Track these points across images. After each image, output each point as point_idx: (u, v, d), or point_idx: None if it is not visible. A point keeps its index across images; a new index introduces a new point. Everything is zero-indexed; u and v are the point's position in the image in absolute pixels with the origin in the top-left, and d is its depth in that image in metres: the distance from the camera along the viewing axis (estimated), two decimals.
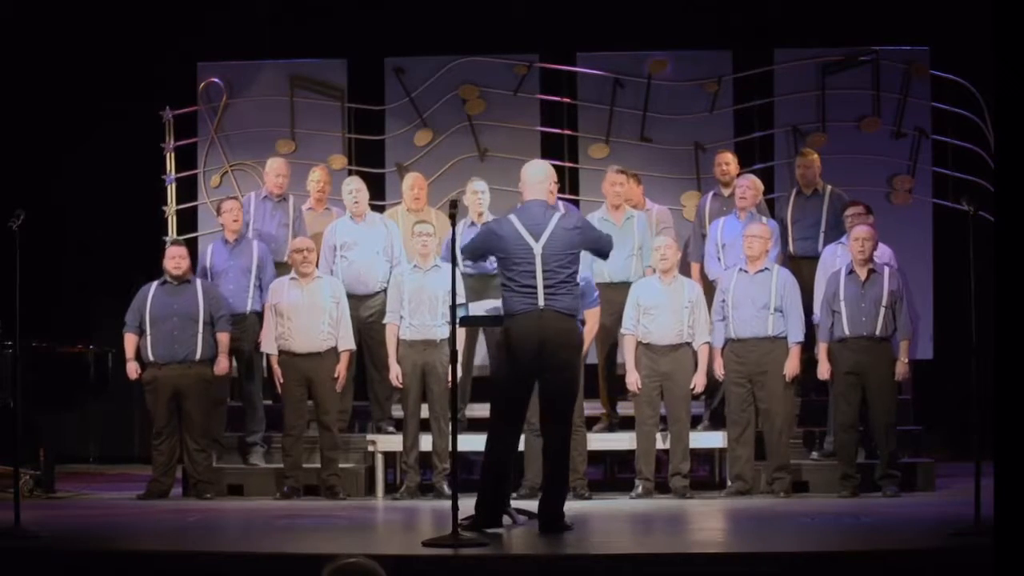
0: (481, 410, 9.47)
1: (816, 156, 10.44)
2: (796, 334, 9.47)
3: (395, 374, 9.57)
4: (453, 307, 7.35)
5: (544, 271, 7.39)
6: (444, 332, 9.41)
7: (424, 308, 9.49)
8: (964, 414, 10.44)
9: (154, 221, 11.46)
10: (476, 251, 7.72)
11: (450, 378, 9.17)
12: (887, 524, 7.76)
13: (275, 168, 10.53)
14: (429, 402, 9.56)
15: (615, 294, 9.74)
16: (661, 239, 9.73)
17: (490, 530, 7.31)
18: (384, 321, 9.67)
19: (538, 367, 7.41)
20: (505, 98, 11.55)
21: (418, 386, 9.52)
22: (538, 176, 7.68)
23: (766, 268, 9.54)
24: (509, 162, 11.35)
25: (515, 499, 8.16)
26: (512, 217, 7.58)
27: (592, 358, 10.07)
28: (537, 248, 7.41)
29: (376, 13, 11.84)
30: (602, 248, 7.77)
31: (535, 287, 7.38)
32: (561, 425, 7.52)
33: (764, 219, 10.02)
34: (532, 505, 7.82)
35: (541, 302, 7.38)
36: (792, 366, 9.44)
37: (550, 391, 7.48)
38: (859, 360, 9.30)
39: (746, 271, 9.54)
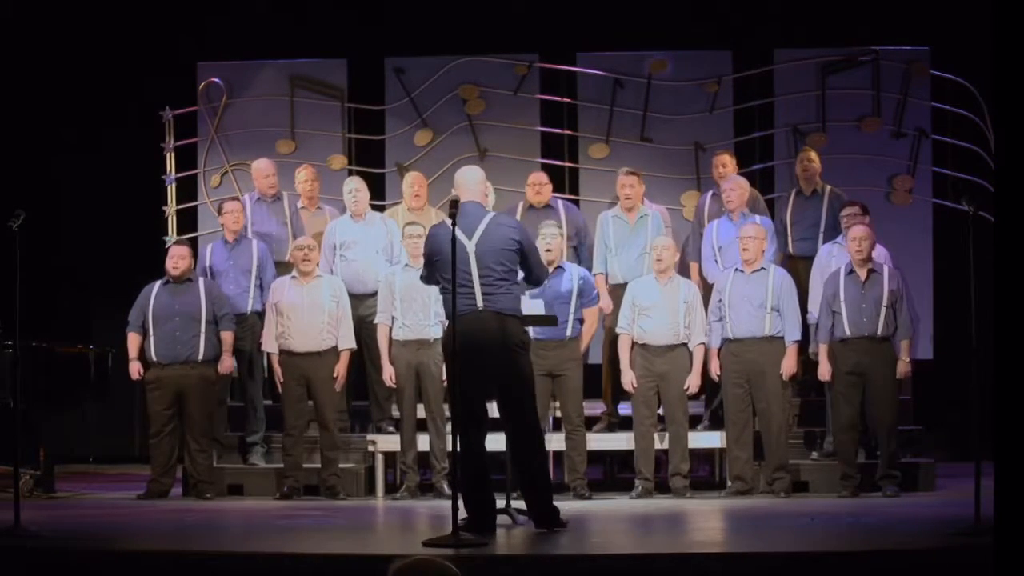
0: None
1: (816, 154, 10.44)
2: (793, 333, 9.47)
3: (388, 374, 9.57)
4: (453, 307, 7.33)
5: (480, 270, 7.32)
6: (437, 332, 9.40)
7: (417, 307, 9.48)
8: (964, 414, 10.46)
9: (154, 221, 11.46)
10: (427, 263, 7.55)
11: (444, 377, 9.30)
12: (887, 524, 7.75)
13: (261, 170, 10.53)
14: (425, 402, 9.55)
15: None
16: (659, 239, 9.73)
17: (484, 532, 7.27)
18: (375, 321, 9.68)
19: (485, 367, 7.30)
20: (505, 98, 11.56)
21: (412, 386, 9.52)
22: (474, 178, 7.60)
23: (762, 268, 9.54)
24: (509, 162, 11.38)
25: (515, 499, 8.15)
26: (447, 219, 7.55)
27: (595, 358, 10.08)
28: (471, 246, 7.34)
29: (376, 13, 11.85)
30: (532, 271, 7.54)
31: (472, 287, 7.31)
32: (523, 423, 7.42)
33: (758, 218, 10.01)
34: None
35: (479, 303, 7.30)
36: (789, 365, 9.44)
37: (503, 391, 7.40)
38: (860, 360, 9.30)
39: (742, 271, 9.54)
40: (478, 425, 7.40)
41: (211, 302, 9.72)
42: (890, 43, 11.40)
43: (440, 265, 7.36)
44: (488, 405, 7.55)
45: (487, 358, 7.30)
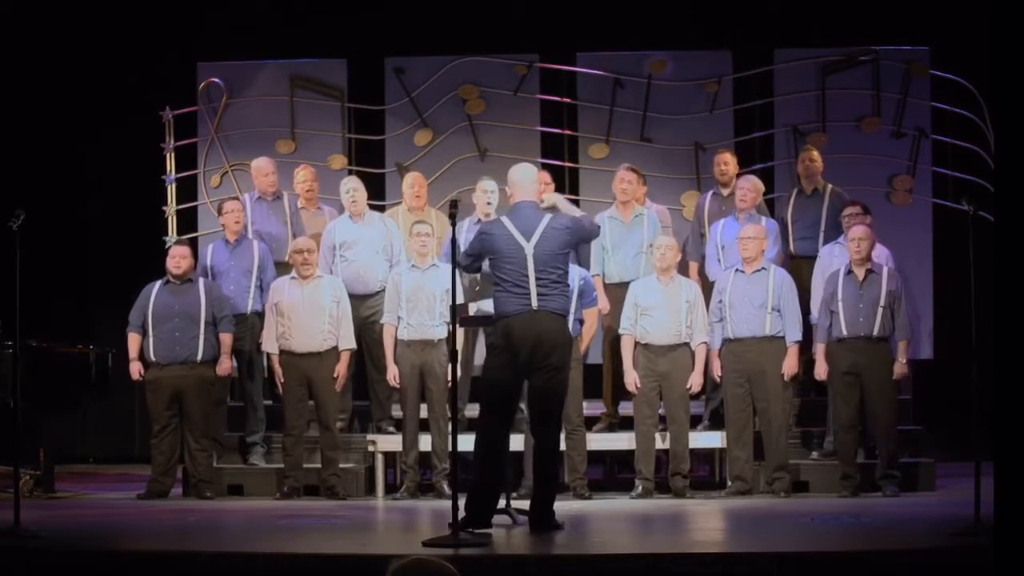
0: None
1: (818, 153, 10.44)
2: (794, 333, 9.48)
3: (392, 374, 9.57)
4: (453, 307, 7.36)
5: (536, 271, 7.43)
6: (442, 332, 9.41)
7: (422, 308, 9.49)
8: (964, 414, 10.46)
9: (154, 221, 11.46)
10: (473, 255, 7.71)
11: (449, 378, 9.29)
12: (887, 524, 7.76)
13: (261, 169, 10.53)
14: (428, 402, 9.56)
15: (623, 293, 9.75)
16: (661, 239, 9.73)
17: (481, 530, 7.27)
18: (381, 321, 9.67)
19: (530, 367, 7.44)
20: (505, 98, 11.55)
21: (416, 386, 9.52)
22: (528, 177, 7.71)
23: (763, 268, 9.54)
24: (509, 162, 11.22)
25: (515, 499, 8.15)
26: (503, 219, 7.62)
27: (595, 358, 10.08)
28: (528, 248, 7.45)
29: (376, 13, 11.84)
30: (590, 233, 7.84)
31: (528, 288, 7.42)
32: (552, 425, 7.57)
33: (763, 219, 10.02)
34: None
35: (534, 303, 7.42)
36: (790, 365, 9.44)
37: (542, 392, 7.50)
38: (857, 360, 9.30)
39: (743, 271, 9.54)
40: (506, 426, 7.52)
41: (211, 303, 9.72)
42: (890, 43, 11.40)
43: (497, 263, 7.49)
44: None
45: (536, 357, 7.40)
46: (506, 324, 7.42)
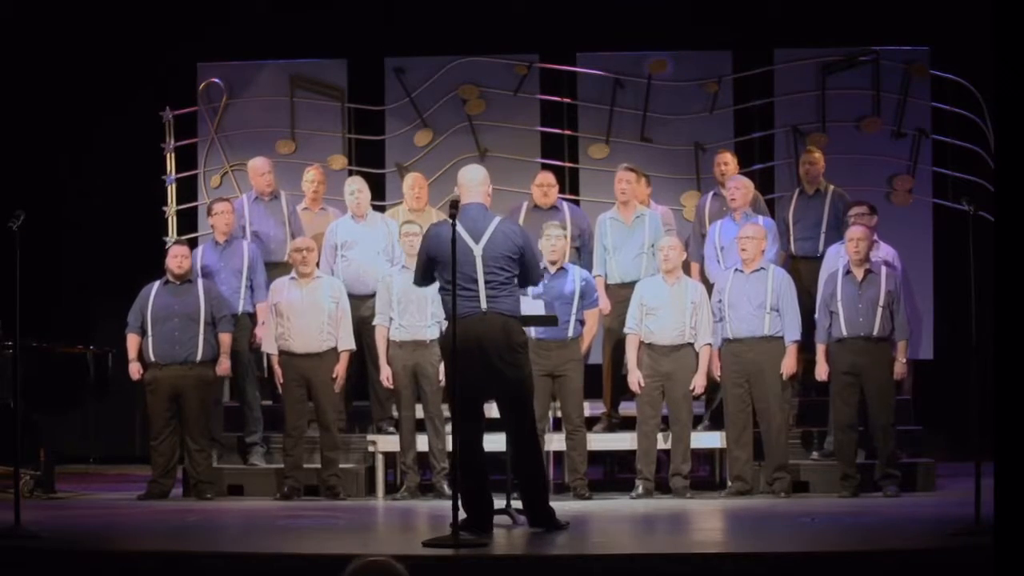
0: None
1: (820, 154, 10.44)
2: (793, 333, 9.47)
3: (385, 375, 9.57)
4: (453, 307, 7.33)
5: (485, 273, 7.34)
6: (434, 332, 9.40)
7: (413, 308, 9.48)
8: (964, 414, 10.47)
9: (154, 221, 11.46)
10: (425, 262, 7.50)
11: (441, 378, 9.29)
12: (887, 524, 7.76)
13: (257, 168, 10.52)
14: (423, 403, 9.56)
15: (625, 293, 9.75)
16: (665, 239, 9.73)
17: (483, 532, 7.26)
18: (374, 323, 9.68)
19: (486, 369, 7.32)
20: (505, 98, 11.56)
21: (410, 387, 9.52)
22: (476, 179, 7.60)
23: (761, 268, 9.54)
24: (509, 162, 11.38)
25: (515, 499, 8.15)
26: (448, 219, 7.54)
27: (596, 358, 10.07)
28: (477, 250, 7.35)
29: (376, 13, 11.84)
30: (529, 276, 7.54)
31: (476, 289, 7.33)
32: (523, 424, 7.45)
33: (760, 219, 10.01)
34: None
35: (483, 304, 7.32)
36: (789, 365, 9.44)
37: (504, 392, 7.42)
38: (856, 360, 9.30)
39: (742, 271, 9.54)
40: (476, 424, 7.43)
41: (210, 303, 9.72)
42: (890, 43, 11.40)
43: (442, 266, 7.36)
44: (486, 405, 7.58)
45: (490, 359, 7.32)
46: (456, 326, 7.25)
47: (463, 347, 7.23)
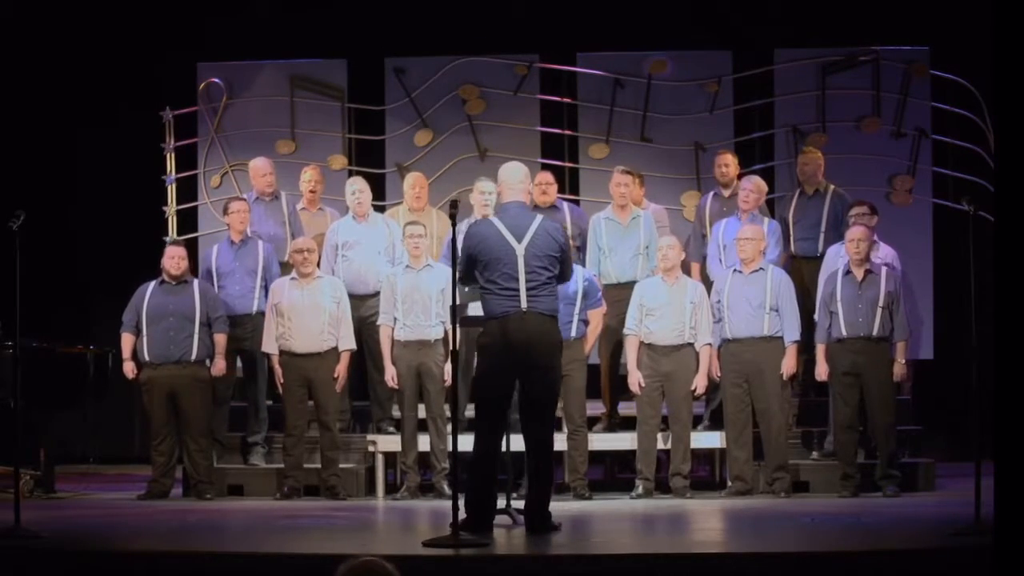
0: None
1: (819, 153, 10.44)
2: (792, 333, 9.47)
3: (390, 375, 9.57)
4: (453, 307, 7.34)
5: (527, 273, 7.34)
6: (438, 332, 9.41)
7: (418, 308, 9.49)
8: (964, 414, 10.47)
9: (154, 221, 11.46)
10: (467, 261, 7.49)
11: (447, 378, 9.29)
12: (887, 524, 7.76)
13: (258, 169, 10.52)
14: (426, 403, 9.56)
15: (621, 294, 9.75)
16: (664, 239, 9.72)
17: (483, 532, 7.26)
18: (378, 323, 9.67)
19: (521, 369, 7.35)
20: (505, 98, 11.55)
21: (414, 387, 9.52)
22: (516, 177, 7.61)
23: (760, 268, 9.53)
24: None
25: (515, 499, 8.15)
26: (494, 219, 7.55)
27: (595, 358, 10.07)
28: (520, 250, 7.36)
29: (376, 13, 11.84)
30: (565, 274, 7.60)
31: (517, 289, 7.33)
32: (545, 425, 7.49)
33: (765, 220, 10.01)
34: None
35: (524, 304, 7.32)
36: (789, 365, 9.44)
37: (534, 392, 7.43)
38: (856, 361, 9.30)
39: (741, 271, 9.54)
40: (499, 437, 7.45)
41: (205, 303, 9.71)
42: (890, 43, 11.40)
43: (485, 265, 7.35)
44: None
45: (527, 359, 7.32)
46: (496, 326, 7.33)
47: (501, 347, 7.27)
